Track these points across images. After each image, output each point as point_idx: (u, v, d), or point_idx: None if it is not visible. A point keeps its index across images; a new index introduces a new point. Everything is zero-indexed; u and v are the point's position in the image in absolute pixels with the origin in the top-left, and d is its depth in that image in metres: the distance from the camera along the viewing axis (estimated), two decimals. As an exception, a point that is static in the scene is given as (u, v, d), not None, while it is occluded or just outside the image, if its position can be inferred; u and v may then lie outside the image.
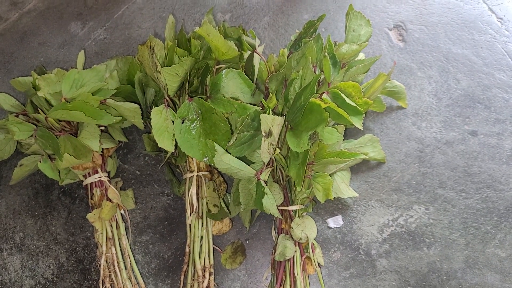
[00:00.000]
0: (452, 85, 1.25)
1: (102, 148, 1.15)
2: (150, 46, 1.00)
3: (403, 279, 1.07)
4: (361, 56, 1.21)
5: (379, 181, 1.17)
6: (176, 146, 1.01)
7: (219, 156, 0.96)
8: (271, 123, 0.92)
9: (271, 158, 1.00)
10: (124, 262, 1.09)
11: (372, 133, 1.17)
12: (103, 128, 1.14)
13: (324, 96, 1.00)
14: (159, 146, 0.97)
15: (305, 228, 1.03)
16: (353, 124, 1.20)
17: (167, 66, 0.98)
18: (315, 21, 1.11)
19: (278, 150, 1.00)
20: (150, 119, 1.12)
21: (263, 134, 0.93)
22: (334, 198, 1.06)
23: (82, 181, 1.15)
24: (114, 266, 1.07)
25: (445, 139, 1.19)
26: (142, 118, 1.11)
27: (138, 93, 1.15)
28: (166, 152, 1.12)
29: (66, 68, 1.10)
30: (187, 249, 1.08)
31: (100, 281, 1.05)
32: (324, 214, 1.15)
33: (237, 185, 1.08)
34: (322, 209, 1.16)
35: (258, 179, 0.99)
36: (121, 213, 1.15)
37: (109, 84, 1.16)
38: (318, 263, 1.03)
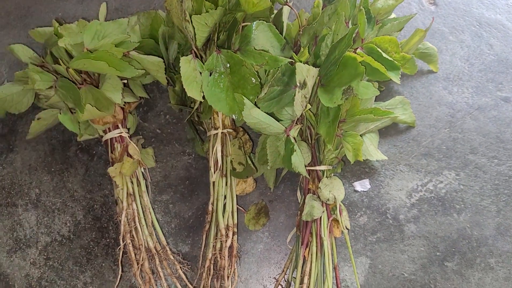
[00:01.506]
0: (484, 50, 1.21)
1: (124, 103, 1.11)
2: (178, -7, 0.95)
3: (432, 244, 1.04)
4: (393, 16, 1.16)
5: (408, 145, 1.13)
6: (200, 102, 0.97)
7: (247, 110, 0.92)
8: (306, 73, 0.88)
9: (301, 114, 0.96)
10: (145, 219, 1.06)
11: (402, 97, 1.13)
12: (124, 82, 1.10)
13: (359, 51, 0.96)
14: (188, 94, 0.93)
15: (333, 189, 1.00)
16: (383, 85, 1.17)
17: (196, 15, 0.94)
18: (350, -26, 1.06)
19: (309, 106, 0.96)
20: (173, 74, 1.08)
21: (298, 84, 0.89)
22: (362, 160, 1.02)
23: (101, 137, 1.11)
24: (134, 223, 1.03)
25: (477, 104, 1.16)
26: (165, 73, 1.07)
27: (161, 47, 1.10)
28: (191, 107, 1.08)
29: (85, 23, 1.06)
30: (210, 208, 1.04)
31: (121, 237, 1.02)
32: (351, 177, 1.12)
33: (263, 143, 1.04)
34: (348, 172, 1.12)
35: (288, 136, 0.95)
36: (141, 172, 1.11)
37: (131, 38, 1.12)
38: (345, 226, 1.00)
